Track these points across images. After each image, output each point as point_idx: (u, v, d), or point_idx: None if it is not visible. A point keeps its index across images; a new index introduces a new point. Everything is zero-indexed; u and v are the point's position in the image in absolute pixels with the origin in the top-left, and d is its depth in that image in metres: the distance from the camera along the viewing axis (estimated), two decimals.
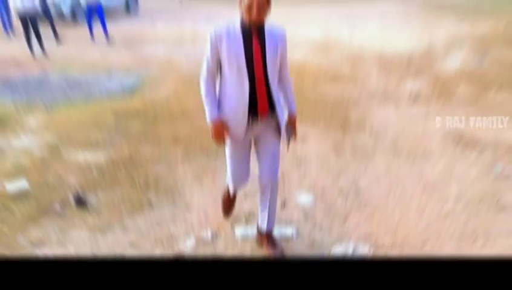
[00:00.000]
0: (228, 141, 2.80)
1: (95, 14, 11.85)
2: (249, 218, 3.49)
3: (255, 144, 2.91)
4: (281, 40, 2.68)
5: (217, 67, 2.66)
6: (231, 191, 3.12)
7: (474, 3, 16.02)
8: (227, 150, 2.87)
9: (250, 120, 2.71)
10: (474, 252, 3.05)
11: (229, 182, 3.00)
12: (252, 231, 3.28)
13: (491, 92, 6.52)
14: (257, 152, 2.92)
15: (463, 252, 3.06)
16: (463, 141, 4.85)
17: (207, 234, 3.28)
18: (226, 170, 4.38)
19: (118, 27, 13.63)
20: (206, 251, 3.11)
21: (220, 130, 2.70)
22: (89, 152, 4.70)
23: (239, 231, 3.32)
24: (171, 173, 4.22)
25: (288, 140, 2.90)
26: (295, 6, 18.52)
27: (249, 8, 2.50)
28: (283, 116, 2.81)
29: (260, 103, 2.68)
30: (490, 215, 3.48)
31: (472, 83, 7.01)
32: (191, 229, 3.35)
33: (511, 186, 3.88)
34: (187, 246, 3.14)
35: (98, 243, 3.20)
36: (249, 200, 3.72)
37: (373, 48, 9.92)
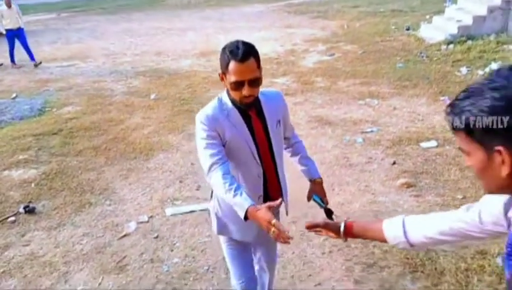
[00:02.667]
0: (232, 242, 2.32)
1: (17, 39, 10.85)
2: (173, 201, 4.29)
3: None
4: (280, 105, 2.21)
5: (224, 154, 2.01)
6: None
7: (324, 8, 18.08)
8: (230, 251, 2.35)
9: None
10: (333, 199, 4.22)
11: (236, 287, 2.39)
12: (179, 209, 4.10)
13: (340, 81, 7.99)
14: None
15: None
16: (322, 122, 6.11)
17: (144, 217, 4.03)
18: (145, 170, 5.18)
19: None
20: (146, 230, 3.86)
21: (269, 215, 1.79)
22: (22, 170, 5.09)
23: (168, 211, 4.11)
24: (100, 177, 4.84)
25: (326, 209, 2.15)
26: (170, 15, 19.10)
27: (238, 85, 1.92)
28: (288, 198, 2.34)
29: (271, 188, 2.20)
30: (342, 171, 4.70)
31: (326, 75, 8.45)
32: (130, 216, 4.07)
33: (355, 150, 5.17)
34: (130, 228, 3.87)
35: (56, 238, 3.78)
36: (171, 188, 4.53)
37: None
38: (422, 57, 9.05)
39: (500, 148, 0.93)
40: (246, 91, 1.93)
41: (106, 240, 3.71)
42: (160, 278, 3.22)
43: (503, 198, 1.16)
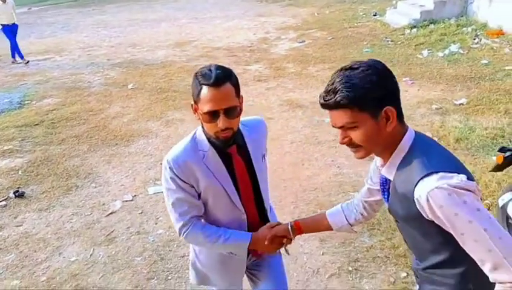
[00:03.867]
0: None
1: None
2: (155, 181, 4.61)
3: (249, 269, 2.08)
4: (264, 135, 1.95)
5: (198, 208, 1.79)
6: None
7: None
8: None
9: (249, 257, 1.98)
10: (302, 173, 4.60)
11: None
12: (161, 188, 4.41)
13: (310, 67, 8.37)
14: (253, 277, 2.08)
15: (297, 174, 4.59)
16: (293, 105, 6.49)
17: (129, 196, 4.34)
18: (127, 155, 5.48)
19: None
20: (131, 207, 4.18)
21: (272, 230, 1.86)
22: (8, 159, 5.31)
23: (151, 189, 4.43)
24: (84, 163, 5.11)
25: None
26: (143, 7, 19.12)
27: (212, 116, 1.61)
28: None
29: (252, 229, 1.90)
30: (311, 149, 5.09)
31: (297, 61, 8.82)
32: (115, 196, 4.37)
33: (323, 130, 5.57)
34: (116, 206, 4.18)
35: (47, 218, 4.06)
36: (152, 170, 4.84)
37: (221, 40, 11.34)
38: (387, 41, 9.50)
39: (387, 108, 1.29)
40: (221, 123, 1.59)
41: (95, 218, 4.02)
42: (146, 247, 3.56)
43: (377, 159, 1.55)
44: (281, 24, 12.81)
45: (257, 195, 1.90)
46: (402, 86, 7.75)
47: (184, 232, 1.79)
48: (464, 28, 9.30)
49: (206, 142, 1.73)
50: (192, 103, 1.68)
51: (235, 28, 12.61)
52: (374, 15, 12.12)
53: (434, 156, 1.32)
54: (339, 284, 3.00)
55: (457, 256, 1.35)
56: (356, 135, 1.32)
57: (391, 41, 9.47)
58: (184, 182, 1.72)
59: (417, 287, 1.61)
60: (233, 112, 1.63)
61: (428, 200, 1.23)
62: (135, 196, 4.36)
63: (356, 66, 1.31)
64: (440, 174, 1.24)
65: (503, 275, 1.19)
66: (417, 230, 1.40)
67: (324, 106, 1.34)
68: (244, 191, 1.84)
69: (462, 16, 10.01)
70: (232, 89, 1.62)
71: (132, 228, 3.83)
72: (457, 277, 1.40)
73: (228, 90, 1.61)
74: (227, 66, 1.69)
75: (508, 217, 2.79)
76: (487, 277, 1.24)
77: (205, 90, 1.59)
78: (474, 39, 8.59)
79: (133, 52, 10.98)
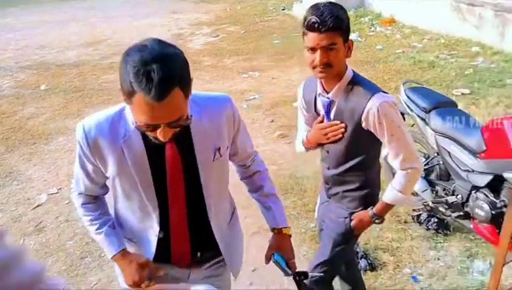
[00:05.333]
0: None
1: None
2: None
3: None
4: (225, 121, 1.51)
5: (102, 187, 1.60)
6: None
7: None
8: None
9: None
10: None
11: None
12: None
13: (225, 59, 8.76)
14: None
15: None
16: None
17: (54, 189, 4.43)
18: (47, 152, 5.49)
19: None
20: (57, 199, 4.27)
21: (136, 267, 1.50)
22: None
23: None
24: (4, 163, 5.06)
25: (294, 276, 1.66)
26: (49, 8, 18.33)
27: (150, 128, 1.27)
28: (240, 259, 1.79)
29: (176, 247, 1.57)
30: None
31: (212, 54, 9.17)
32: (40, 191, 4.43)
33: (241, 115, 5.97)
34: (42, 199, 4.26)
35: None
36: None
37: (135, 38, 11.32)
38: (296, 33, 10.17)
39: (350, 39, 1.78)
40: (162, 135, 1.26)
41: (21, 212, 4.07)
42: (76, 232, 3.71)
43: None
44: (195, 20, 13.07)
45: (193, 201, 1.50)
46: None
47: (75, 194, 1.63)
48: (362, 18, 10.23)
49: (131, 125, 1.37)
50: (122, 92, 1.25)
51: (149, 26, 12.64)
52: (283, 9, 12.82)
53: (371, 83, 1.91)
54: (261, 239, 3.42)
55: (363, 164, 1.95)
56: (333, 56, 1.73)
57: (299, 33, 10.14)
58: (90, 161, 1.46)
59: (323, 195, 2.20)
60: (179, 122, 1.26)
61: (378, 110, 1.75)
62: (60, 188, 4.45)
63: (333, 3, 1.75)
64: (382, 93, 1.81)
65: (408, 164, 1.84)
66: (348, 138, 1.89)
67: (317, 27, 1.68)
68: (174, 193, 1.46)
69: (360, 7, 10.98)
70: (180, 96, 1.20)
71: (61, 217, 3.95)
72: (361, 178, 1.99)
73: (174, 100, 1.19)
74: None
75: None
76: (376, 185, 2.01)
77: (140, 99, 1.17)
78: (371, 28, 9.53)
79: (42, 53, 10.62)
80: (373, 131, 1.83)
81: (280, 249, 1.71)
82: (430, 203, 3.20)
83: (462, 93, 5.71)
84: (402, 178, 1.88)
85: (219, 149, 1.51)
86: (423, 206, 3.32)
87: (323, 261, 2.13)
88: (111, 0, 18.81)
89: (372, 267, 2.97)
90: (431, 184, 3.25)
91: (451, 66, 6.78)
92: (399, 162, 1.85)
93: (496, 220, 2.79)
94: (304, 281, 1.65)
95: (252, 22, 11.90)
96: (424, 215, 3.30)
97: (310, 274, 1.82)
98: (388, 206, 1.98)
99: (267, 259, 1.74)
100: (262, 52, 8.97)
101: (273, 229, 1.75)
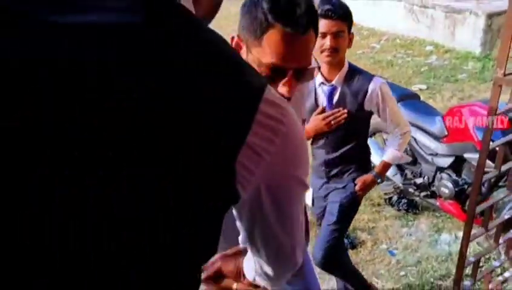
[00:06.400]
0: None
1: None
2: None
3: None
4: (305, 92, 1.58)
5: None
6: None
7: None
8: None
9: None
10: None
11: None
12: None
13: None
14: None
15: None
16: None
17: None
18: None
19: None
20: None
21: None
22: None
23: None
24: None
25: None
26: None
27: (277, 74, 1.13)
28: None
29: None
30: None
31: None
32: None
33: None
34: None
35: None
36: None
37: None
38: None
39: (351, 32, 2.06)
40: (288, 85, 1.10)
41: None
42: None
43: None
44: None
45: None
46: None
47: None
48: None
49: None
50: (236, 36, 1.15)
51: None
52: None
53: (364, 70, 2.28)
54: None
55: (361, 140, 2.32)
56: (340, 42, 2.00)
57: None
58: None
59: (315, 185, 2.44)
60: (307, 71, 1.14)
61: (381, 90, 2.11)
62: None
63: None
64: (377, 77, 2.22)
65: (404, 128, 2.28)
66: (349, 121, 2.17)
67: (330, 15, 1.94)
68: None
69: None
70: (313, 38, 1.12)
71: None
72: (359, 151, 2.34)
73: (311, 39, 1.11)
74: None
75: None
76: (368, 151, 2.44)
77: (276, 33, 1.06)
78: None
79: None
80: (373, 110, 2.19)
81: None
82: (400, 186, 3.55)
83: (420, 89, 6.18)
84: (400, 140, 2.29)
85: (304, 120, 1.50)
86: (393, 189, 3.68)
87: (333, 229, 2.31)
88: None
89: (353, 246, 3.28)
90: (401, 168, 3.61)
91: (408, 64, 7.29)
92: (400, 128, 2.26)
93: (459, 196, 3.18)
94: None
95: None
96: (395, 198, 3.65)
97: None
98: (388, 166, 2.39)
99: None
100: None
101: None
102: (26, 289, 0.52)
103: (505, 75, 1.34)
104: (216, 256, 1.01)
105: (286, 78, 1.09)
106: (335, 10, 1.96)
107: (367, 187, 2.36)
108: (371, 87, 2.12)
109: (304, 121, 1.46)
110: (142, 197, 0.53)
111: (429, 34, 7.94)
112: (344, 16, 1.98)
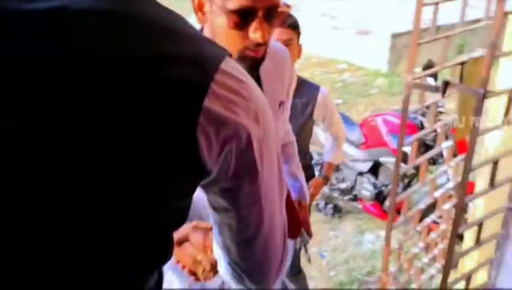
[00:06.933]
0: None
1: None
2: None
3: None
4: (289, 73, 1.45)
5: None
6: None
7: None
8: None
9: None
10: None
11: None
12: None
13: None
14: None
15: None
16: None
17: None
18: None
19: None
20: None
21: None
22: None
23: None
24: None
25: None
26: None
27: (244, 19, 1.07)
28: None
29: None
30: None
31: None
32: None
33: None
34: None
35: None
36: None
37: None
38: None
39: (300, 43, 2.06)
40: (260, 30, 1.03)
41: None
42: None
43: None
44: None
45: None
46: None
47: None
48: None
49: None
50: None
51: None
52: None
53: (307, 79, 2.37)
54: None
55: (306, 149, 2.38)
56: (291, 50, 1.93)
57: None
58: None
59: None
60: (276, 12, 1.06)
61: (327, 99, 2.29)
62: None
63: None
64: (321, 87, 2.31)
65: (343, 131, 2.53)
66: (303, 129, 2.24)
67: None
68: None
69: None
70: None
71: None
72: (304, 159, 2.35)
73: None
74: None
75: None
76: (310, 157, 2.57)
77: None
78: None
79: None
80: (321, 118, 2.32)
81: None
82: (327, 192, 3.78)
83: (336, 104, 6.62)
84: (342, 142, 2.53)
85: (282, 103, 1.36)
86: (320, 195, 3.90)
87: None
88: None
89: None
90: None
91: (325, 81, 7.75)
92: (342, 132, 2.48)
93: (378, 197, 3.48)
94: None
95: None
96: (322, 203, 3.87)
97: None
98: (333, 167, 2.60)
99: None
100: None
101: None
102: (26, 289, 0.54)
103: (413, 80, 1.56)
104: (187, 225, 0.99)
105: (257, 21, 1.02)
106: (285, 18, 2.03)
107: (318, 190, 2.54)
108: (320, 94, 2.24)
109: (282, 103, 1.35)
110: (142, 197, 0.54)
111: (341, 53, 8.53)
112: (294, 24, 2.00)
